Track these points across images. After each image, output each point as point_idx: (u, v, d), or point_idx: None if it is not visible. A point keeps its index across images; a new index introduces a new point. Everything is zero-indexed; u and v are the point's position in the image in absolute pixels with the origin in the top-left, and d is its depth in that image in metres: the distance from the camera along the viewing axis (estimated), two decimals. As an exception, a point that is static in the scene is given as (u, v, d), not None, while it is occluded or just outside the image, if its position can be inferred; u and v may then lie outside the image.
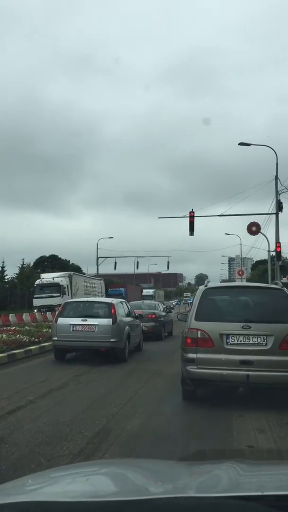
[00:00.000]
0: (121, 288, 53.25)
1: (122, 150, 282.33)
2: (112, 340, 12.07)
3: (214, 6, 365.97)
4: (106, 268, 59.88)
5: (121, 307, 13.48)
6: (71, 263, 65.68)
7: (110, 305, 12.60)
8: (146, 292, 66.56)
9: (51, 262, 63.89)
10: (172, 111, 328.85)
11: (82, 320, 12.28)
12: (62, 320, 12.46)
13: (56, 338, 12.42)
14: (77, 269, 63.54)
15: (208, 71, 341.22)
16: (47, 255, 67.54)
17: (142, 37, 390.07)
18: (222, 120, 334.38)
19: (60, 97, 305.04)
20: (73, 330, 12.22)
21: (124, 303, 14.45)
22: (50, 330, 14.89)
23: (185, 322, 7.96)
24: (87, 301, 13.23)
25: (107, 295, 44.74)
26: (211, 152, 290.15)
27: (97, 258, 52.13)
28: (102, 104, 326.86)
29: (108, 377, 10.21)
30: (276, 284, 8.51)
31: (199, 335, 7.28)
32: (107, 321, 12.25)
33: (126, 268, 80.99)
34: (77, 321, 12.30)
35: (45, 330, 17.63)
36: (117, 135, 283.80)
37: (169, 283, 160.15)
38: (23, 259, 56.44)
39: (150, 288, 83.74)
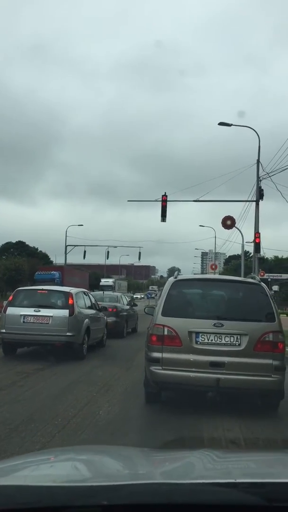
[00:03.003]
0: (53, 272, 39.16)
1: (87, 141, 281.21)
2: (68, 334, 10.57)
3: (176, 3, 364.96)
4: (76, 258, 57.92)
5: (81, 297, 11.97)
6: (39, 250, 63.43)
7: (68, 295, 11.08)
8: (104, 281, 58.72)
9: (18, 249, 61.52)
10: (135, 104, 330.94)
11: (34, 310, 10.73)
12: (12, 310, 10.88)
13: (4, 331, 10.84)
14: (44, 257, 61.57)
15: (169, 66, 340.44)
16: (14, 241, 65.21)
17: (103, 30, 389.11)
18: (185, 115, 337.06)
19: (22, 86, 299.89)
20: (24, 322, 10.68)
21: (86, 293, 12.93)
22: None
23: (152, 316, 7.10)
24: (43, 290, 11.67)
25: (34, 281, 35.59)
26: (176, 145, 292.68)
27: (66, 246, 50.03)
28: (65, 95, 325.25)
29: (59, 378, 8.74)
30: (253, 278, 7.59)
31: (165, 332, 6.51)
32: (63, 313, 10.74)
33: (96, 258, 79.08)
34: (29, 311, 10.75)
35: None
36: (81, 127, 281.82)
37: (141, 275, 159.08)
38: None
39: (109, 277, 72.20)
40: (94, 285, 52.46)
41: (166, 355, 6.46)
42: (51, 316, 10.64)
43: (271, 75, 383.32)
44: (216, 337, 6.46)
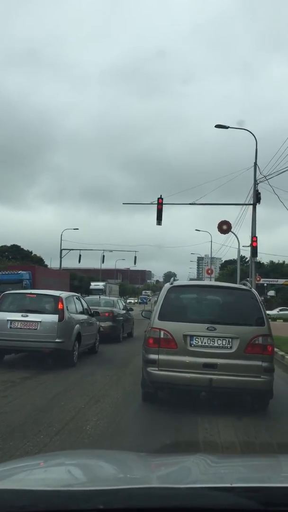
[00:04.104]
0: (21, 272, 31.12)
1: (80, 145, 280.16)
2: (57, 340, 10.04)
3: (166, 11, 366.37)
4: (71, 262, 57.32)
5: (72, 301, 11.44)
6: (33, 254, 62.79)
7: (58, 299, 10.55)
8: (95, 285, 56.39)
9: (13, 252, 60.83)
10: (127, 109, 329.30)
11: (22, 315, 10.19)
12: (-2, 315, 10.34)
13: (-11, 337, 10.30)
14: (39, 260, 60.90)
15: (160, 72, 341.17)
16: (9, 245, 64.52)
17: (95, 36, 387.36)
18: (177, 120, 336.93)
19: (14, 90, 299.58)
20: (10, 327, 10.14)
21: (77, 297, 12.40)
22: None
23: (149, 320, 7.50)
24: (31, 293, 11.13)
25: None
26: (169, 150, 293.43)
27: (61, 250, 49.48)
28: (57, 100, 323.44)
29: (47, 388, 8.21)
30: (244, 284, 8.04)
31: (161, 335, 6.86)
32: (52, 318, 10.21)
33: (92, 263, 78.52)
34: (16, 316, 10.21)
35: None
36: (74, 131, 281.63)
37: (137, 280, 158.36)
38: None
39: (100, 281, 67.22)
40: (86, 289, 51.50)
41: (162, 356, 6.79)
42: (40, 322, 10.12)
43: (259, 81, 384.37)
44: (209, 340, 6.79)
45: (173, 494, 1.51)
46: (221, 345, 6.76)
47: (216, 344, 6.76)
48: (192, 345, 6.78)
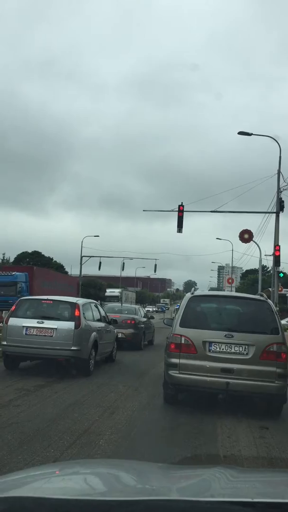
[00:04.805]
0: (15, 273, 27.33)
1: (98, 153, 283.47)
2: (73, 348, 9.78)
3: (183, 20, 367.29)
4: (91, 270, 57.24)
5: (89, 308, 11.18)
6: (54, 260, 62.94)
7: (74, 306, 10.30)
8: (110, 292, 55.81)
9: (34, 259, 60.99)
10: (145, 118, 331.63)
11: (38, 322, 9.97)
12: (14, 321, 10.14)
13: (5, 343, 10.11)
14: (60, 267, 61.02)
15: (177, 82, 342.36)
16: (30, 251, 64.83)
17: (112, 46, 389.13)
18: (194, 129, 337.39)
19: (34, 99, 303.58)
20: (26, 334, 9.92)
21: (94, 304, 12.14)
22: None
23: (171, 327, 8.02)
24: (47, 300, 10.91)
25: None
26: (187, 159, 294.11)
27: (81, 257, 49.38)
28: (75, 109, 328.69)
29: (61, 397, 7.94)
30: (261, 295, 8.53)
31: (182, 341, 7.36)
32: (68, 325, 9.95)
33: (112, 270, 78.41)
34: (32, 323, 9.99)
35: None
36: (92, 139, 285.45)
37: (157, 288, 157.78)
38: (3, 254, 53.70)
39: (114, 287, 65.84)
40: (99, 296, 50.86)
41: (183, 361, 7.31)
42: (55, 329, 9.88)
43: (276, 91, 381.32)
44: (226, 346, 7.27)
45: (193, 507, 1.49)
46: (238, 351, 7.22)
47: (233, 351, 7.23)
48: (211, 351, 7.27)
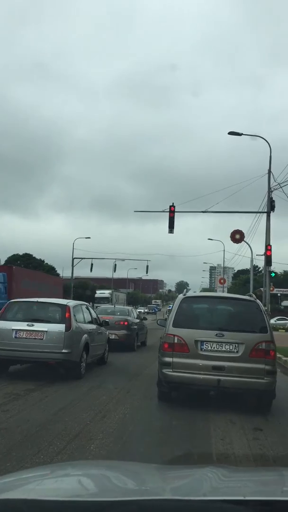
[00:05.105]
0: None
1: (89, 156, 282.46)
2: (64, 351, 9.63)
3: (173, 23, 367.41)
4: (83, 272, 56.93)
5: (80, 310, 11.04)
6: (45, 262, 62.61)
7: (65, 308, 10.15)
8: (100, 293, 54.66)
9: (25, 261, 60.55)
10: (135, 120, 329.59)
11: (27, 325, 9.81)
12: (3, 324, 9.94)
13: (-6, 346, 9.92)
14: (51, 269, 60.70)
15: (168, 84, 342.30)
16: (21, 253, 64.39)
17: (102, 49, 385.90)
18: (185, 131, 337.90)
19: (24, 102, 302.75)
20: (16, 337, 9.75)
21: (85, 306, 11.99)
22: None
23: (164, 327, 8.26)
24: (37, 302, 10.75)
25: None
26: (178, 160, 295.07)
27: (73, 259, 49.16)
28: (66, 111, 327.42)
29: (51, 401, 7.79)
30: (250, 296, 8.78)
31: (175, 341, 7.61)
32: (59, 327, 9.80)
33: (103, 272, 78.12)
34: (22, 325, 9.82)
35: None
36: (83, 141, 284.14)
37: (149, 289, 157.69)
38: (-6, 255, 53.14)
39: (106, 289, 63.72)
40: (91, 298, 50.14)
41: (176, 359, 7.56)
42: (46, 331, 9.72)
43: (265, 93, 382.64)
44: (217, 345, 7.54)
45: (185, 506, 1.50)
46: (228, 349, 7.50)
47: (224, 349, 7.51)
48: (203, 350, 7.55)
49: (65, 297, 32.61)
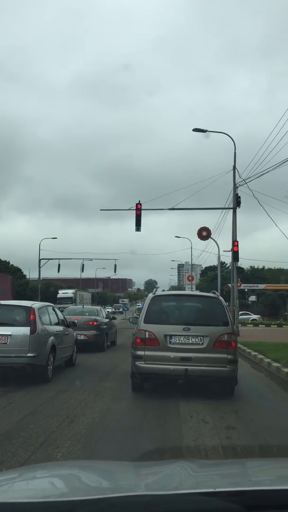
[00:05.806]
0: None
1: (50, 156, 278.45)
2: (29, 354, 9.27)
3: (129, 24, 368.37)
4: (50, 273, 56.09)
5: (45, 312, 10.67)
6: (11, 264, 61.30)
7: (29, 310, 9.77)
8: (63, 293, 51.79)
9: (-11, 263, 59.28)
10: (96, 120, 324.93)
11: (-10, 328, 9.39)
12: None
13: None
14: (17, 271, 59.54)
15: (127, 84, 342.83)
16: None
17: (60, 48, 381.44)
18: (146, 130, 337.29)
19: None
20: (-22, 342, 9.32)
21: (50, 307, 11.64)
22: None
23: (136, 324, 8.94)
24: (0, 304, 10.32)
25: None
26: (140, 159, 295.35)
27: (39, 260, 48.34)
28: (25, 111, 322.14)
29: (16, 408, 7.44)
30: (213, 293, 9.61)
31: (147, 336, 8.28)
32: (23, 331, 9.43)
33: (71, 272, 77.38)
34: (-16, 330, 9.40)
35: None
36: (44, 141, 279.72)
37: (118, 288, 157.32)
38: None
39: (69, 288, 61.37)
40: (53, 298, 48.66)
41: (147, 352, 8.21)
42: (9, 335, 9.33)
43: (222, 92, 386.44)
44: (185, 338, 8.25)
45: (157, 501, 1.52)
46: (194, 342, 8.21)
47: (190, 342, 8.21)
48: (171, 343, 8.23)
49: (30, 298, 31.09)
